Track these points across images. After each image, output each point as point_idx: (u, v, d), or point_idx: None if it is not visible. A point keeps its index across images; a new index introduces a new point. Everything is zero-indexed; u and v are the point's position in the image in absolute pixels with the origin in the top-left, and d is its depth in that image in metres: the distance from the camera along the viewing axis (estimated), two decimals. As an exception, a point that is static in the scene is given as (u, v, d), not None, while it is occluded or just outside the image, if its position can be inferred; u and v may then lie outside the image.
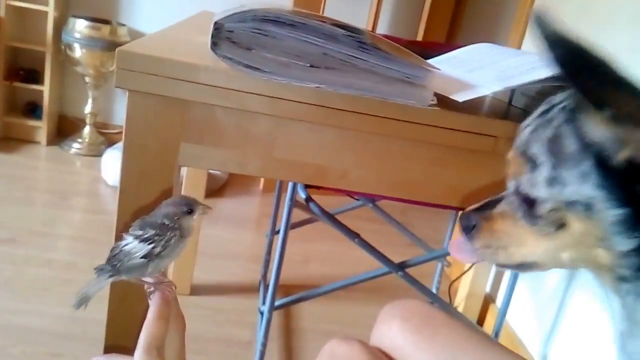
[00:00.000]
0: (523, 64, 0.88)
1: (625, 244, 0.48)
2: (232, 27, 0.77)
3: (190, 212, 0.71)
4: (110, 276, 0.71)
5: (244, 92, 0.78)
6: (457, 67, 0.98)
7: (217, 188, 3.07)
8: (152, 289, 0.72)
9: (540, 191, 0.52)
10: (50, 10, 3.07)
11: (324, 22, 0.76)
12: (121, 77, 0.76)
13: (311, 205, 1.55)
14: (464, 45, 1.12)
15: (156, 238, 0.69)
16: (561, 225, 0.52)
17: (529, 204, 0.53)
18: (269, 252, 2.20)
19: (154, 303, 0.69)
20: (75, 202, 2.74)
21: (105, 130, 3.49)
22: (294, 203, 1.55)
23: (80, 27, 3.08)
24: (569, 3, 2.03)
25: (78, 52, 3.11)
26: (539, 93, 0.92)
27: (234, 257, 2.46)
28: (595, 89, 0.43)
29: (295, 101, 0.79)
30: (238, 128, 0.81)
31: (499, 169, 0.85)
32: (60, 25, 3.16)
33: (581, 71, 0.43)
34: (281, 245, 1.54)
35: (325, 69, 0.78)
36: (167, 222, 0.70)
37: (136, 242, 0.70)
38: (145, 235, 0.70)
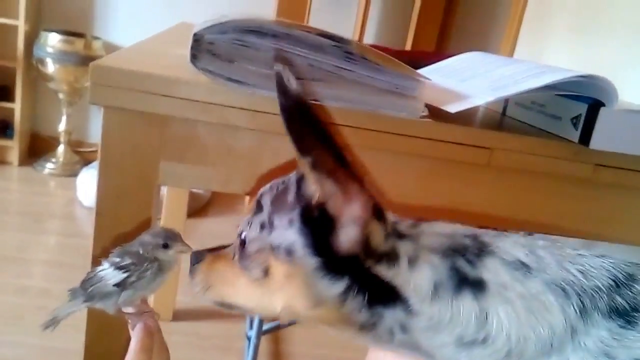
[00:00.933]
0: (517, 72, 0.87)
1: (332, 287, 0.54)
2: (213, 38, 0.76)
3: (166, 246, 0.70)
4: (84, 301, 0.70)
5: (226, 106, 0.77)
6: (449, 76, 0.98)
7: (199, 207, 3.05)
8: (133, 317, 0.71)
9: (251, 232, 0.58)
10: (21, 24, 3.06)
11: (309, 32, 0.76)
12: (96, 93, 0.76)
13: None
14: (455, 54, 1.12)
15: (132, 267, 0.68)
16: (266, 272, 0.57)
17: (242, 245, 0.59)
18: (255, 274, 2.18)
19: (135, 334, 0.68)
20: (50, 225, 2.72)
21: (81, 149, 3.47)
22: (280, 221, 1.54)
23: (52, 41, 3.07)
24: (561, 12, 2.05)
25: (51, 67, 3.10)
26: (533, 102, 0.92)
27: (218, 279, 2.43)
28: (303, 139, 0.51)
29: (280, 115, 0.78)
30: (221, 144, 0.80)
31: (494, 181, 0.86)
32: (31, 39, 3.14)
33: (297, 122, 0.52)
34: (268, 266, 1.53)
35: (311, 80, 0.78)
36: (141, 252, 0.69)
37: (111, 269, 0.69)
38: (122, 264, 0.69)
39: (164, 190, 1.99)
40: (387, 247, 0.54)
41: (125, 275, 0.68)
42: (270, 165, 0.82)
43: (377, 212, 0.54)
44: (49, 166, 3.28)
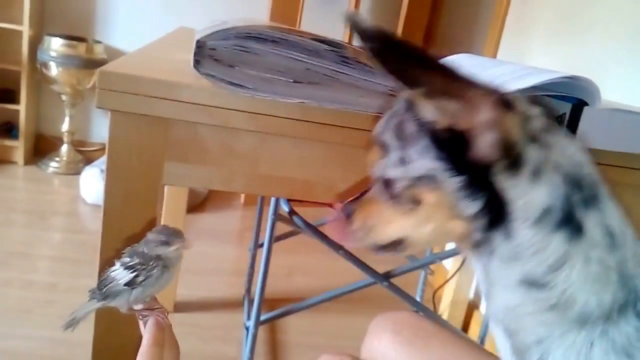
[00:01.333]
0: (504, 74, 0.87)
1: (470, 207, 0.52)
2: (215, 44, 0.76)
3: (167, 243, 0.70)
4: (100, 300, 0.71)
5: (228, 109, 0.77)
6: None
7: (197, 203, 3.05)
8: (145, 313, 0.71)
9: (393, 172, 0.57)
10: (25, 29, 3.05)
11: (306, 37, 0.76)
12: (103, 98, 0.75)
13: (295, 218, 1.55)
14: (442, 56, 1.12)
15: (139, 267, 0.69)
16: (417, 201, 0.56)
17: (387, 185, 0.58)
18: (252, 266, 2.18)
19: (148, 330, 0.69)
20: (55, 221, 2.70)
21: (83, 148, 3.45)
22: (277, 217, 1.54)
23: (55, 45, 3.06)
24: (542, 15, 2.05)
25: (54, 70, 3.08)
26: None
27: (217, 272, 2.43)
28: (409, 73, 0.49)
29: (279, 117, 0.78)
30: (222, 145, 0.80)
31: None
32: (35, 44, 3.13)
33: (395, 59, 0.49)
34: (265, 260, 1.53)
35: (309, 84, 0.78)
36: (146, 250, 0.70)
37: (121, 268, 0.70)
38: (130, 263, 0.69)
39: (164, 187, 1.98)
40: (521, 146, 0.51)
41: (133, 274, 0.68)
42: (270, 165, 0.82)
43: (507, 104, 0.51)
44: (53, 165, 3.27)
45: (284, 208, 1.57)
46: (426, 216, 0.56)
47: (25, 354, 1.70)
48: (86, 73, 3.13)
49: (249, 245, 2.22)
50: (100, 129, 3.54)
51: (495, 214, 0.52)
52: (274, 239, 1.55)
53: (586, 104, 0.80)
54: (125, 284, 0.69)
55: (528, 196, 0.51)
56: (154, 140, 0.78)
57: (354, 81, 0.78)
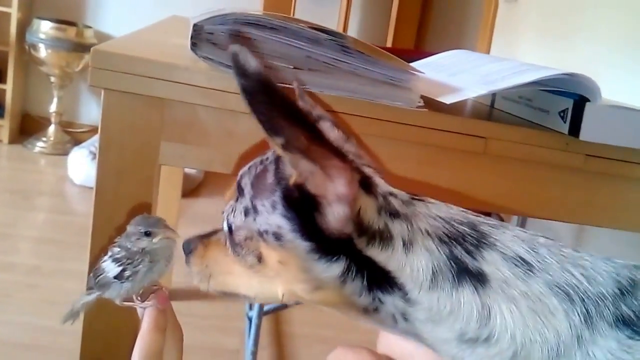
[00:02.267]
0: (503, 69, 0.87)
1: (329, 269, 0.49)
2: (212, 29, 0.73)
3: (149, 234, 0.63)
4: (95, 290, 0.66)
5: (226, 91, 0.74)
6: (438, 71, 0.96)
7: (192, 188, 2.99)
8: (145, 305, 0.65)
9: (236, 219, 0.54)
10: (14, 11, 3.01)
11: (305, 26, 0.74)
12: (96, 76, 0.72)
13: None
14: (434, 51, 1.11)
15: (124, 261, 0.63)
16: (261, 257, 0.53)
17: (230, 232, 0.55)
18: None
19: (148, 313, 0.63)
20: (40, 202, 2.64)
21: (71, 130, 3.40)
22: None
23: (45, 28, 3.02)
24: (529, 16, 2.05)
25: (43, 52, 3.04)
26: (521, 97, 0.91)
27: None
28: (270, 119, 0.45)
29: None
30: (221, 127, 0.77)
31: (491, 169, 0.84)
32: (24, 26, 3.10)
33: (261, 103, 0.45)
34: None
35: (309, 70, 0.76)
36: (129, 245, 0.64)
37: (110, 260, 0.64)
38: (117, 256, 0.64)
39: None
40: (381, 224, 0.49)
41: (120, 268, 0.63)
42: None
43: (366, 185, 0.50)
44: (40, 145, 3.20)
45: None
46: (271, 276, 0.53)
47: (4, 342, 1.59)
48: (75, 56, 3.09)
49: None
50: (90, 111, 3.49)
51: (370, 277, 0.49)
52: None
53: (587, 99, 0.79)
54: (115, 277, 0.64)
55: (410, 266, 0.48)
56: (149, 120, 0.75)
57: (354, 69, 0.76)
